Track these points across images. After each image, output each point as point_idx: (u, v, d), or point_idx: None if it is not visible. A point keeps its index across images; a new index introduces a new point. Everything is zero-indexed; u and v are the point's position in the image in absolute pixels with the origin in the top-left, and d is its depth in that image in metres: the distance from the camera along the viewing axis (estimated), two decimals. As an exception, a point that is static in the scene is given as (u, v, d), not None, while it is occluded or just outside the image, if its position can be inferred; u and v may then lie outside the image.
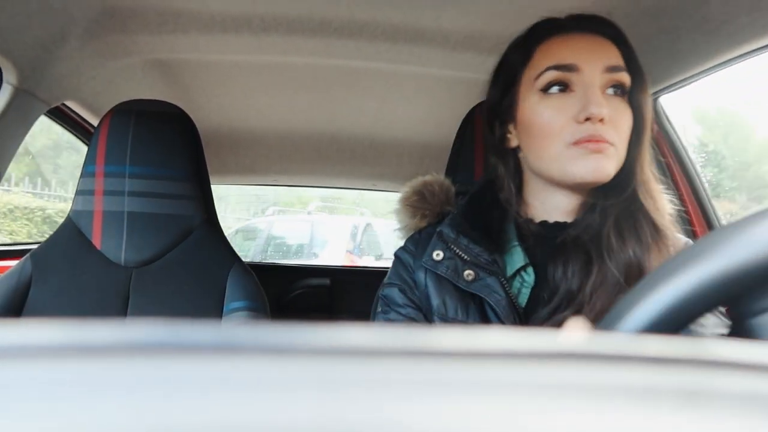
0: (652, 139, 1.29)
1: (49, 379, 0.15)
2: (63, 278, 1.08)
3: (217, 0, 1.13)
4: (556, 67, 0.72)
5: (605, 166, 0.69)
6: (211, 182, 1.26)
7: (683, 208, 1.32)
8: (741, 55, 0.99)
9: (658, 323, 0.31)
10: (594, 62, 0.71)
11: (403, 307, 0.79)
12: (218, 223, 1.25)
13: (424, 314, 0.79)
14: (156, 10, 1.17)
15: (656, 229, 0.72)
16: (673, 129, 1.36)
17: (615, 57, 0.73)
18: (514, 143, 0.80)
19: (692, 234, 1.30)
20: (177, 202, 1.15)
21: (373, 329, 0.19)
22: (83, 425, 0.14)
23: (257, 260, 4.33)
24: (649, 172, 0.75)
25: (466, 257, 0.75)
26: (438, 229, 0.80)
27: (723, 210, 1.32)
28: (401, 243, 0.89)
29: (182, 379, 0.15)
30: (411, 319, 0.79)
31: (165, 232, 1.14)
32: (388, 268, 1.27)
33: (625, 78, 0.72)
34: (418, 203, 0.88)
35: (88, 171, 1.14)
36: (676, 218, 0.77)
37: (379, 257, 5.86)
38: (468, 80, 1.41)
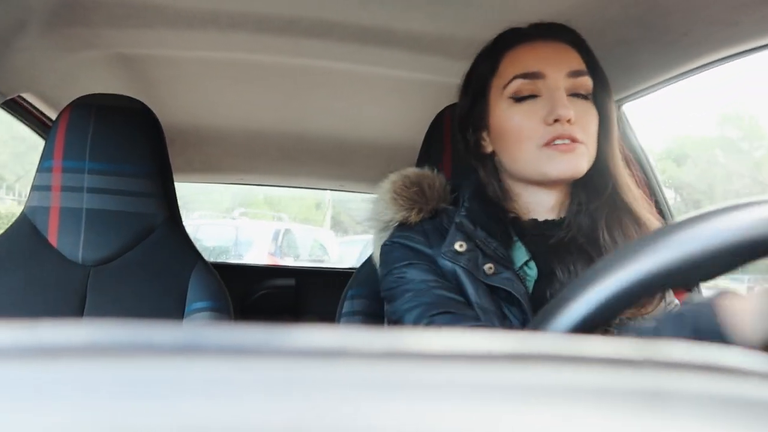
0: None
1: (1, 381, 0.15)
2: (16, 277, 1.05)
3: (184, -6, 1.11)
4: (523, 75, 0.76)
5: (577, 163, 0.74)
6: (175, 180, 1.24)
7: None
8: (699, 67, 1.03)
9: (586, 322, 0.33)
10: (557, 68, 0.76)
11: (437, 288, 0.75)
12: (181, 221, 1.23)
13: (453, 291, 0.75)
14: (120, 3, 1.14)
15: (639, 224, 0.77)
16: (635, 137, 1.39)
17: (577, 62, 0.77)
18: (489, 149, 0.83)
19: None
20: (138, 200, 1.12)
21: (339, 330, 0.19)
22: (34, 429, 0.13)
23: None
24: (622, 169, 0.80)
25: (486, 251, 0.76)
26: (458, 220, 0.79)
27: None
28: (374, 236, 0.88)
29: (140, 381, 0.15)
30: (460, 305, 0.74)
31: (125, 230, 1.11)
32: (354, 269, 1.27)
33: (587, 82, 0.77)
34: (416, 196, 0.84)
35: (44, 166, 1.10)
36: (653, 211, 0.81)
37: (297, 257, 6.48)
38: (437, 83, 1.42)
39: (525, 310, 0.73)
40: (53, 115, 1.59)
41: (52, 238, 1.09)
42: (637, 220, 0.77)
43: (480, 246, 0.76)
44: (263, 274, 2.38)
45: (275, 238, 6.38)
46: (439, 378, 0.17)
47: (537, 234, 0.80)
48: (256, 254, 5.78)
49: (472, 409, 0.16)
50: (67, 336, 0.17)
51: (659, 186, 1.39)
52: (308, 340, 0.18)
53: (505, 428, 0.15)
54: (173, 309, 1.07)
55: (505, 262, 0.76)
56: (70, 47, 1.27)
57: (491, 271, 0.75)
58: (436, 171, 0.89)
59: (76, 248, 1.08)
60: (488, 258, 0.76)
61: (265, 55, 1.33)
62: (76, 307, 1.05)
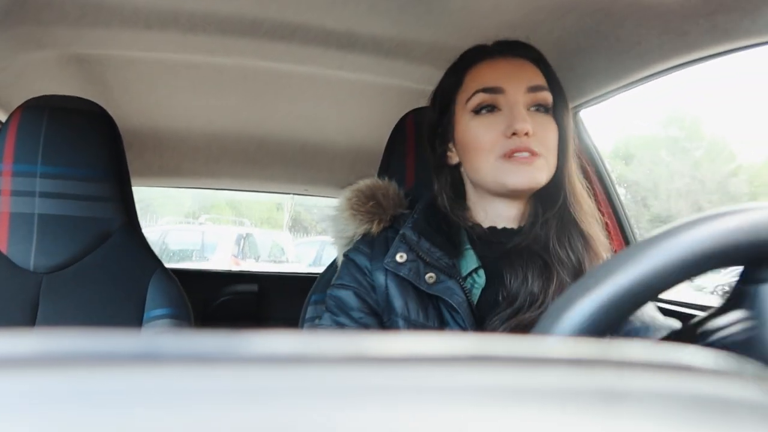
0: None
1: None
2: None
3: (142, -6, 1.08)
4: (484, 90, 0.80)
5: (535, 175, 0.77)
6: (132, 184, 1.20)
7: (601, 216, 1.40)
8: (652, 75, 1.06)
9: (583, 329, 0.33)
10: (517, 83, 0.79)
11: (358, 311, 0.80)
12: (139, 226, 1.20)
13: (380, 318, 0.80)
14: (74, 1, 1.10)
15: (584, 237, 0.80)
16: (592, 141, 1.43)
17: (536, 78, 0.81)
18: (454, 161, 0.87)
19: (608, 240, 1.37)
20: (94, 204, 1.09)
21: (302, 336, 0.18)
22: None
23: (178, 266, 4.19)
24: (576, 181, 0.83)
25: (428, 260, 0.79)
26: (401, 232, 0.83)
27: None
28: (338, 249, 0.91)
29: (94, 391, 0.15)
30: (364, 326, 0.80)
31: (80, 236, 1.07)
32: (317, 273, 1.26)
33: (546, 96, 0.81)
34: (374, 208, 0.88)
35: None
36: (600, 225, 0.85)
37: (257, 259, 7.15)
38: (399, 87, 1.42)
39: (464, 318, 0.75)
40: (3, 117, 1.53)
41: (2, 245, 1.05)
42: (582, 234, 0.80)
43: (422, 256, 0.79)
44: (225, 279, 2.34)
45: (238, 242, 6.95)
46: (402, 381, 0.17)
47: (493, 242, 0.82)
48: (221, 257, 6.32)
49: (435, 412, 0.16)
50: (17, 346, 0.16)
51: (614, 186, 1.43)
52: (269, 346, 0.18)
53: (466, 430, 0.15)
54: (131, 317, 1.04)
55: (448, 271, 0.78)
56: (21, 46, 1.22)
57: (432, 280, 0.78)
58: (387, 179, 0.93)
59: (28, 255, 1.04)
60: (430, 267, 0.79)
61: (227, 57, 1.31)
62: (27, 317, 1.01)
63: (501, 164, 0.77)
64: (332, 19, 1.15)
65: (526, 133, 0.76)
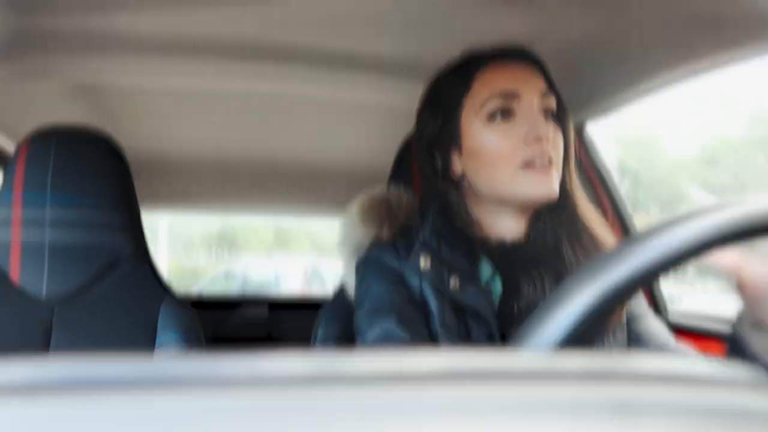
0: (579, 162, 1.35)
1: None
2: None
3: (147, 21, 1.10)
4: (500, 95, 0.76)
5: (552, 185, 0.75)
6: (141, 211, 1.21)
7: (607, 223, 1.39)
8: (659, 85, 1.06)
9: (570, 336, 0.34)
10: (531, 88, 0.76)
11: (401, 304, 0.76)
12: (149, 253, 1.20)
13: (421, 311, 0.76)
14: (79, 31, 1.12)
15: (596, 241, 0.79)
16: (598, 154, 1.43)
17: (544, 84, 0.78)
18: (459, 171, 0.82)
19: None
20: (103, 233, 1.09)
21: (316, 356, 0.18)
22: None
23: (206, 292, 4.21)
24: (579, 188, 0.82)
25: (452, 266, 0.76)
26: (422, 236, 0.80)
27: (639, 222, 1.42)
28: (346, 260, 0.88)
29: (112, 414, 0.14)
30: (409, 320, 0.75)
31: (90, 264, 1.08)
32: (326, 297, 1.25)
33: (554, 103, 0.78)
34: (385, 213, 0.86)
35: (4, 200, 1.07)
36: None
37: (323, 285, 8.00)
38: (403, 107, 1.43)
39: (490, 325, 0.73)
40: (11, 147, 1.54)
41: (14, 275, 1.05)
42: (592, 237, 0.79)
43: (445, 262, 0.77)
44: (235, 305, 2.34)
45: (305, 274, 8.08)
46: (420, 398, 0.16)
47: (503, 253, 0.80)
48: (292, 286, 7.48)
49: (451, 428, 0.15)
50: (37, 372, 0.16)
51: (626, 209, 1.43)
52: (282, 366, 0.17)
53: None
54: (143, 343, 1.04)
55: (471, 277, 0.76)
56: (28, 77, 1.24)
57: (457, 285, 0.75)
58: (401, 190, 0.91)
59: (40, 284, 1.05)
60: (454, 273, 0.76)
61: (230, 82, 1.32)
62: (41, 345, 1.01)
63: (520, 174, 0.74)
64: (334, 41, 1.16)
65: (546, 140, 0.74)
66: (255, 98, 1.49)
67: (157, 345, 1.05)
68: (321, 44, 1.18)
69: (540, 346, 0.34)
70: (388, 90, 1.36)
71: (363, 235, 0.86)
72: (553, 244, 0.78)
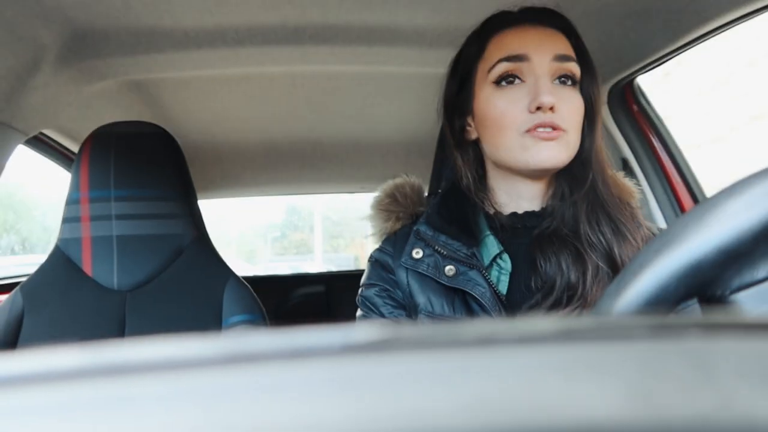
0: (633, 119, 1.30)
1: (64, 403, 0.15)
2: (55, 308, 1.07)
3: (190, 16, 1.12)
4: (507, 59, 0.74)
5: (558, 153, 0.72)
6: (198, 198, 1.26)
7: (670, 188, 1.34)
8: (710, 32, 1.01)
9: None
10: (543, 52, 0.74)
11: (385, 307, 0.80)
12: (209, 239, 1.25)
13: (408, 314, 0.79)
14: (128, 31, 1.16)
15: (613, 221, 0.75)
16: (652, 108, 1.37)
17: (564, 47, 0.75)
18: (473, 135, 0.82)
19: (682, 213, 1.31)
20: (166, 222, 1.14)
21: (373, 326, 0.19)
22: None
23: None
24: (604, 161, 0.78)
25: (445, 253, 0.77)
26: (415, 228, 0.81)
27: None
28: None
29: (192, 391, 0.15)
30: (395, 319, 0.79)
31: (156, 253, 1.13)
32: None
33: (574, 68, 0.75)
34: (392, 206, 0.89)
35: (72, 198, 1.13)
36: (641, 203, 0.80)
37: None
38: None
39: (490, 309, 0.72)
40: (75, 148, 1.62)
41: (87, 268, 1.11)
42: (609, 217, 0.75)
43: (439, 250, 0.77)
44: (293, 283, 2.40)
45: None
46: (488, 363, 0.17)
47: (517, 227, 0.78)
48: None
49: (522, 390, 0.16)
50: (117, 356, 0.17)
51: (688, 165, 1.36)
52: (347, 337, 0.18)
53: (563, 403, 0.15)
54: (210, 325, 1.09)
55: (468, 261, 0.75)
56: (84, 80, 1.30)
57: (452, 272, 0.75)
58: (412, 178, 0.93)
59: (111, 275, 1.11)
60: (448, 260, 0.76)
61: (274, 66, 1.34)
62: (116, 333, 1.07)
63: (522, 140, 0.73)
64: (373, 16, 1.16)
65: (551, 108, 0.71)
66: (299, 80, 1.50)
67: (224, 326, 1.09)
68: (360, 21, 1.17)
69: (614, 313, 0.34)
70: (430, 60, 1.35)
71: (377, 227, 0.90)
72: (571, 217, 0.75)
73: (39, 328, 1.05)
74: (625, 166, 1.38)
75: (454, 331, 0.19)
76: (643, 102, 1.37)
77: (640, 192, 0.86)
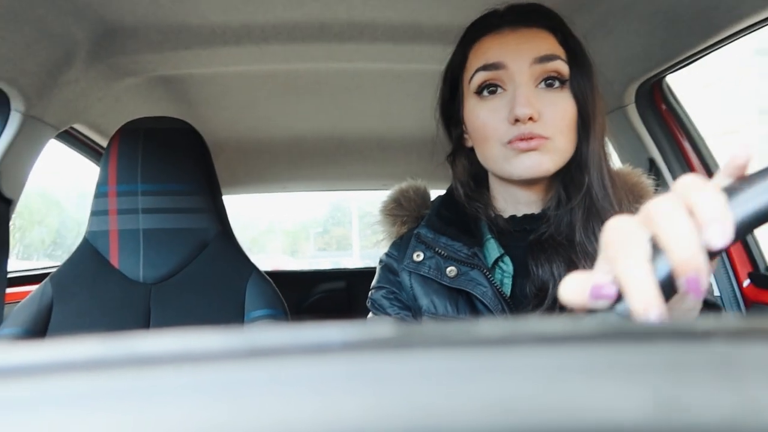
0: (662, 119, 1.28)
1: (89, 392, 0.15)
2: (84, 299, 1.10)
3: (217, 13, 1.14)
4: (484, 68, 0.72)
5: (540, 163, 0.70)
6: (222, 194, 1.27)
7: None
8: (742, 30, 0.98)
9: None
10: (520, 57, 0.71)
11: (392, 308, 0.81)
12: (233, 234, 1.26)
13: (413, 315, 0.79)
14: (157, 28, 1.18)
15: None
16: (682, 108, 1.35)
17: (546, 47, 0.71)
18: (470, 143, 0.81)
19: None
20: (191, 216, 1.16)
21: (396, 324, 0.19)
22: None
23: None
24: (601, 164, 0.74)
25: (446, 254, 0.76)
26: (415, 231, 0.81)
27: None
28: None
29: (215, 383, 0.16)
30: (401, 320, 0.80)
31: (181, 247, 1.15)
32: None
33: (559, 66, 0.71)
34: (396, 210, 0.90)
35: (100, 191, 1.15)
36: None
37: None
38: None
39: (492, 309, 0.71)
40: (104, 142, 1.66)
41: (114, 260, 1.14)
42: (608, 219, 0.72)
43: (439, 251, 0.77)
44: (315, 279, 2.41)
45: None
46: (501, 362, 0.17)
47: (516, 230, 0.77)
48: None
49: (547, 388, 0.16)
50: (142, 347, 0.18)
51: (711, 156, 1.34)
52: (369, 333, 0.18)
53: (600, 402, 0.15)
54: (233, 319, 1.10)
55: (470, 261, 0.74)
56: (114, 75, 1.32)
57: (453, 273, 0.74)
58: (418, 181, 0.93)
59: (137, 268, 1.13)
60: (450, 261, 0.75)
61: (300, 64, 1.35)
62: (141, 324, 1.09)
63: (505, 151, 0.71)
64: (397, 14, 1.16)
65: (531, 118, 0.68)
66: (324, 77, 1.51)
67: (246, 320, 1.11)
68: (385, 19, 1.17)
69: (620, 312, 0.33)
70: None
71: (384, 232, 0.91)
72: (567, 223, 0.73)
73: (67, 317, 1.08)
74: (652, 167, 1.35)
75: (475, 329, 0.19)
76: (672, 101, 1.34)
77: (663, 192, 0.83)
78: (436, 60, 1.36)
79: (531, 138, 0.69)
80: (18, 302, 1.11)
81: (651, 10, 1.04)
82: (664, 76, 1.27)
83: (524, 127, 0.69)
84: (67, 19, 1.07)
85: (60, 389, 0.16)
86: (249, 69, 1.39)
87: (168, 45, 1.22)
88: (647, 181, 0.82)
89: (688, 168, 1.32)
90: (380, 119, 1.87)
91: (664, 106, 1.34)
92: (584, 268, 0.69)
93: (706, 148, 1.34)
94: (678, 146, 1.33)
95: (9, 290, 1.26)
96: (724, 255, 1.29)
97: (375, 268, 0.88)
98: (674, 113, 1.34)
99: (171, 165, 1.16)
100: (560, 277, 0.69)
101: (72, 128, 1.55)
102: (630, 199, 0.76)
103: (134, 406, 0.15)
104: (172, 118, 1.21)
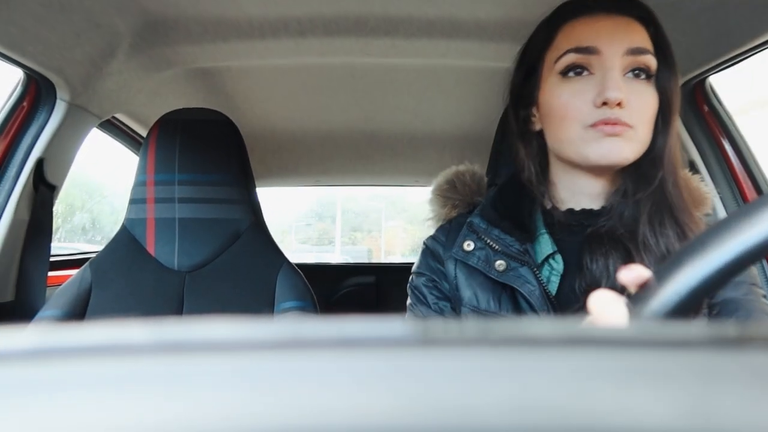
0: (703, 120, 1.25)
1: (125, 375, 0.16)
2: (121, 285, 1.13)
3: (255, 6, 1.15)
4: (576, 50, 0.71)
5: (621, 149, 0.68)
6: (256, 186, 1.29)
7: (740, 195, 1.27)
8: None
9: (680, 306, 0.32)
10: (615, 45, 0.69)
11: (431, 296, 0.80)
12: (265, 225, 1.28)
13: (453, 306, 0.78)
14: (196, 21, 1.20)
15: (680, 226, 0.70)
16: (724, 109, 1.31)
17: (639, 39, 0.71)
18: (537, 126, 0.79)
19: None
20: (225, 207, 1.18)
21: (424, 321, 0.19)
22: (164, 416, 0.14)
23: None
24: (676, 160, 0.72)
25: (497, 247, 0.75)
26: (468, 220, 0.80)
27: None
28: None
29: (244, 372, 0.16)
30: (439, 311, 0.79)
31: (215, 237, 1.17)
32: None
33: (649, 61, 0.70)
34: (449, 192, 0.88)
35: (139, 180, 1.18)
36: (712, 207, 0.75)
37: None
38: (507, 71, 1.39)
39: (537, 308, 0.70)
40: (144, 132, 1.70)
41: (150, 248, 1.16)
42: (677, 221, 0.69)
43: (490, 244, 0.75)
44: (344, 273, 2.43)
45: None
46: (519, 364, 0.17)
47: (573, 224, 0.75)
48: None
49: (569, 391, 0.16)
50: (175, 334, 0.18)
51: (760, 170, 1.29)
52: (395, 330, 0.18)
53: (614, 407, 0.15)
54: (264, 309, 1.12)
55: (520, 257, 0.73)
56: (155, 67, 1.35)
57: (502, 267, 0.73)
58: (474, 166, 0.91)
59: (172, 256, 1.15)
60: (499, 254, 0.74)
61: (335, 58, 1.35)
62: (175, 311, 1.12)
63: (585, 134, 0.69)
64: (435, 9, 1.15)
65: (618, 104, 0.67)
66: (359, 72, 1.52)
67: (276, 311, 1.12)
68: (421, 14, 1.17)
69: (645, 317, 0.33)
70: (490, 54, 1.33)
71: (434, 213, 0.89)
72: (631, 218, 0.71)
73: (105, 302, 1.11)
74: (692, 169, 1.32)
75: (504, 329, 0.19)
76: (715, 103, 1.30)
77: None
78: (471, 56, 1.35)
79: (616, 123, 0.68)
80: (59, 285, 1.15)
81: (699, 8, 1.01)
82: (707, 77, 1.23)
83: (610, 111, 0.68)
84: (111, 10, 1.10)
85: (96, 372, 0.16)
86: (285, 62, 1.41)
87: (207, 37, 1.24)
88: (705, 188, 0.80)
89: (729, 171, 1.28)
90: (413, 115, 1.87)
91: (706, 108, 1.30)
92: (643, 262, 0.67)
93: (749, 151, 1.29)
94: (719, 149, 1.29)
95: (51, 273, 1.31)
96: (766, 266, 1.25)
97: (404, 264, 0.88)
98: (716, 115, 1.30)
99: (207, 156, 1.18)
100: (614, 273, 0.67)
101: (113, 118, 1.59)
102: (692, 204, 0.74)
103: (165, 391, 0.15)
104: (209, 110, 1.23)
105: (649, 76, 0.71)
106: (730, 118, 1.31)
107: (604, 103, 0.68)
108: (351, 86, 1.61)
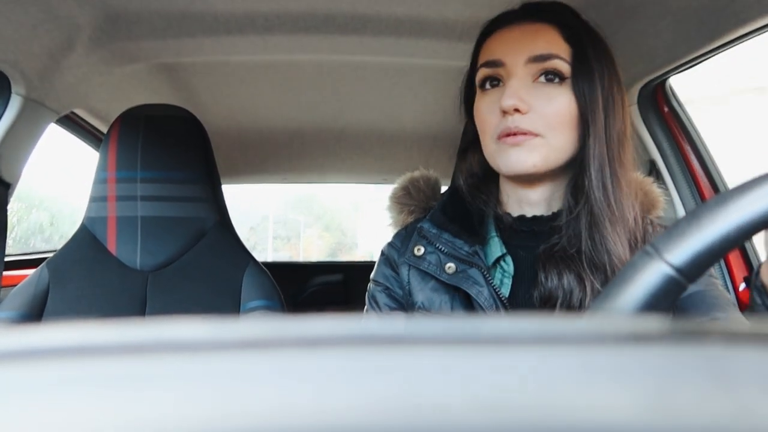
0: (663, 121, 1.28)
1: (84, 377, 0.16)
2: (80, 285, 1.10)
3: (221, 1, 1.13)
4: (485, 64, 0.74)
5: (526, 159, 0.69)
6: (222, 183, 1.27)
7: (698, 194, 1.31)
8: (750, 33, 0.98)
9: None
10: (517, 54, 0.71)
11: (385, 306, 0.81)
12: (231, 224, 1.26)
13: (406, 312, 0.80)
14: (160, 15, 1.17)
15: (619, 234, 0.69)
16: (683, 111, 1.35)
17: (545, 45, 0.71)
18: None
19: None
20: (189, 205, 1.16)
21: (395, 319, 0.19)
22: (118, 420, 0.14)
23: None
24: (606, 165, 0.71)
25: (446, 251, 0.76)
26: (419, 225, 0.81)
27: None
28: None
29: (208, 373, 0.16)
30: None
31: (179, 235, 1.15)
32: None
33: (557, 65, 0.70)
34: (404, 199, 0.90)
35: (100, 177, 1.15)
36: (666, 209, 0.76)
37: None
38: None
39: (485, 309, 0.71)
40: (104, 128, 1.65)
41: (111, 247, 1.14)
42: (616, 231, 0.68)
43: (440, 247, 0.76)
44: (312, 271, 2.42)
45: None
46: (486, 362, 0.17)
47: (524, 230, 0.76)
48: None
49: (537, 390, 0.16)
50: (136, 335, 0.18)
51: (718, 171, 1.33)
52: (363, 328, 0.18)
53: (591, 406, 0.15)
54: (229, 309, 1.10)
55: (469, 259, 0.74)
56: (116, 61, 1.32)
57: (452, 270, 0.74)
58: (430, 171, 0.93)
59: (134, 255, 1.13)
60: (449, 258, 0.75)
61: (302, 55, 1.34)
62: (137, 312, 1.09)
63: (496, 147, 0.71)
64: (403, 7, 1.15)
65: (517, 110, 0.68)
66: (327, 69, 1.51)
67: (242, 310, 1.11)
68: (390, 12, 1.17)
69: (613, 313, 0.34)
70: (458, 54, 1.34)
71: (391, 219, 0.91)
72: (575, 234, 0.71)
73: (63, 303, 1.08)
74: (653, 169, 1.35)
75: (471, 326, 0.19)
76: (675, 104, 1.34)
77: (667, 196, 0.83)
78: (439, 55, 1.35)
79: (515, 134, 0.69)
80: (14, 286, 1.11)
81: (659, 11, 1.03)
82: (668, 78, 1.26)
83: (511, 119, 0.69)
84: (70, 1, 1.06)
85: (53, 374, 0.16)
86: (251, 59, 1.39)
87: (171, 32, 1.21)
88: (657, 191, 0.81)
89: (689, 171, 1.32)
90: (381, 113, 1.87)
91: (666, 108, 1.34)
92: (590, 283, 0.67)
93: (707, 151, 1.34)
94: (679, 149, 1.33)
95: (5, 273, 1.26)
96: (721, 261, 1.29)
97: (371, 261, 0.88)
98: (676, 115, 1.34)
99: (171, 153, 1.16)
100: (570, 290, 0.68)
101: (72, 113, 1.54)
102: (640, 210, 0.74)
103: (124, 394, 0.15)
104: (173, 106, 1.20)
105: (562, 80, 0.71)
106: (689, 119, 1.34)
107: (505, 113, 0.69)
108: (319, 83, 1.60)
